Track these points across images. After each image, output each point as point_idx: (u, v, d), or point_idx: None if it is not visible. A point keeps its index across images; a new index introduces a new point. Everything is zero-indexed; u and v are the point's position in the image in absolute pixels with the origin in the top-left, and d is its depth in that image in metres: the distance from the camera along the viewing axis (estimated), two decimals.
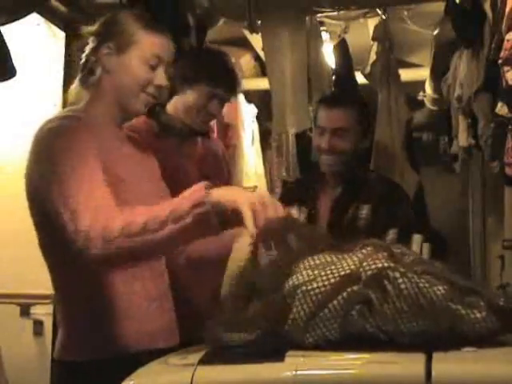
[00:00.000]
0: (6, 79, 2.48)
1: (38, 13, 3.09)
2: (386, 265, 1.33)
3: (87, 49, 1.89)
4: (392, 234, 2.48)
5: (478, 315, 1.30)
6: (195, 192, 1.57)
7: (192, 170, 2.68)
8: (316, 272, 1.37)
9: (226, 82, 2.62)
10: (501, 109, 2.15)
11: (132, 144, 1.91)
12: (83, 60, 1.90)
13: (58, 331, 1.87)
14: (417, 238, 2.11)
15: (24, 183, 1.81)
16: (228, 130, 4.37)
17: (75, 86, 1.92)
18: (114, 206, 1.63)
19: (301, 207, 2.66)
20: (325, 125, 2.65)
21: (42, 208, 1.72)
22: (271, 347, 1.33)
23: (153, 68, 1.84)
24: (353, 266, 1.36)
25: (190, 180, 2.68)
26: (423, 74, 4.32)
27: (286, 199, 2.70)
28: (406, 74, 4.13)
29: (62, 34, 3.45)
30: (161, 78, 1.85)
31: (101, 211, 1.60)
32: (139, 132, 2.07)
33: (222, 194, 1.55)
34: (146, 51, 1.83)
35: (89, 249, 1.57)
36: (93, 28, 1.89)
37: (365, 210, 2.55)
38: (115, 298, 1.76)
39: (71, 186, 1.63)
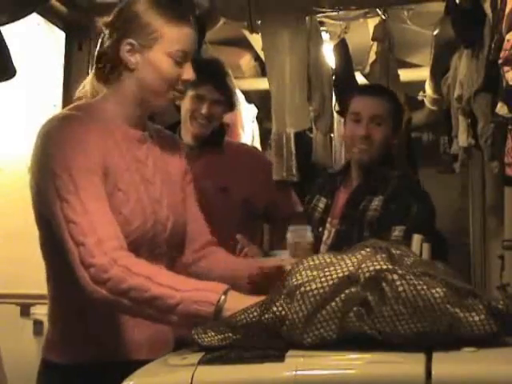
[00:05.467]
0: (6, 79, 2.48)
1: (38, 13, 3.09)
2: (384, 267, 1.33)
3: (104, 42, 1.76)
4: (398, 231, 2.46)
5: (477, 318, 1.30)
6: (209, 296, 1.50)
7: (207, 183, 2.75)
8: (315, 273, 1.37)
9: (208, 82, 2.73)
10: (501, 109, 2.15)
11: (152, 145, 1.81)
12: (98, 54, 1.78)
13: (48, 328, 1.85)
14: (417, 238, 2.10)
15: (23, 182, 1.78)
16: (228, 130, 4.38)
17: (90, 79, 1.81)
18: (123, 240, 1.58)
19: (321, 197, 2.69)
20: (362, 112, 2.65)
21: (42, 210, 1.67)
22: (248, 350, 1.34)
23: (179, 63, 1.73)
24: (351, 268, 1.36)
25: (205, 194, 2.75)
26: (423, 74, 4.33)
27: (313, 191, 2.77)
28: (405, 74, 4.14)
29: (62, 34, 3.45)
30: (188, 72, 1.74)
31: (113, 254, 1.54)
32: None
33: (234, 308, 1.46)
34: (171, 46, 1.71)
35: (91, 291, 1.54)
36: (108, 20, 1.76)
37: (376, 202, 2.53)
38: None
39: (75, 209, 1.57)
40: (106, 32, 1.76)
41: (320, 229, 2.62)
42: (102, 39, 1.77)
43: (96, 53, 1.80)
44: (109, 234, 1.56)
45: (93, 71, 1.81)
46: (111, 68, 1.75)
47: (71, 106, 1.78)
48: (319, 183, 2.79)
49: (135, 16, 1.72)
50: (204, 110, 2.74)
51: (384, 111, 2.64)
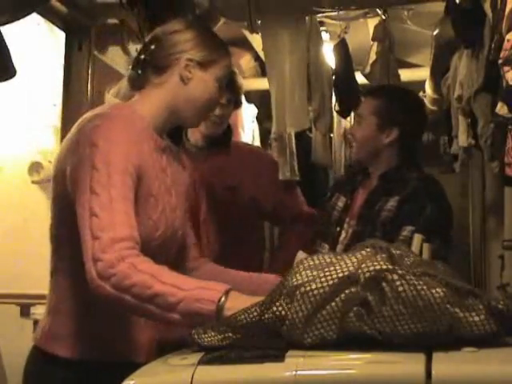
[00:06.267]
0: (6, 79, 2.48)
1: (38, 13, 3.09)
2: (384, 267, 1.33)
3: (153, 51, 1.82)
4: (407, 231, 2.45)
5: (477, 318, 1.30)
6: (212, 294, 1.52)
7: (215, 182, 2.74)
8: (315, 273, 1.37)
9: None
10: (501, 109, 2.14)
11: (168, 155, 1.86)
12: (140, 60, 1.84)
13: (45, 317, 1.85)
14: (417, 238, 2.10)
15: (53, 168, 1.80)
16: None
17: (122, 84, 1.89)
18: (137, 243, 1.60)
19: (340, 196, 2.71)
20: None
21: (67, 200, 1.69)
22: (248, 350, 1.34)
23: (221, 88, 1.86)
24: (351, 268, 1.36)
25: (213, 192, 2.74)
26: (423, 74, 4.32)
27: (334, 189, 2.83)
28: (405, 74, 4.13)
29: (62, 34, 3.45)
30: (222, 96, 1.85)
31: (123, 252, 1.56)
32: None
33: (235, 307, 1.47)
34: (221, 72, 1.85)
35: (96, 286, 1.55)
36: (167, 30, 1.84)
37: (391, 203, 2.54)
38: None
39: (101, 203, 1.60)
40: (161, 40, 1.81)
41: (338, 228, 2.63)
42: (148, 46, 1.82)
43: (136, 58, 1.84)
44: (125, 234, 1.59)
45: (127, 77, 1.86)
46: (154, 76, 1.81)
47: (112, 105, 1.84)
48: (339, 181, 2.81)
49: (199, 35, 1.82)
50: (218, 111, 2.73)
51: (365, 110, 2.69)
